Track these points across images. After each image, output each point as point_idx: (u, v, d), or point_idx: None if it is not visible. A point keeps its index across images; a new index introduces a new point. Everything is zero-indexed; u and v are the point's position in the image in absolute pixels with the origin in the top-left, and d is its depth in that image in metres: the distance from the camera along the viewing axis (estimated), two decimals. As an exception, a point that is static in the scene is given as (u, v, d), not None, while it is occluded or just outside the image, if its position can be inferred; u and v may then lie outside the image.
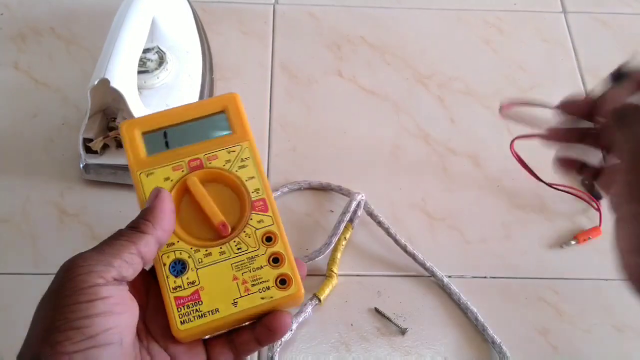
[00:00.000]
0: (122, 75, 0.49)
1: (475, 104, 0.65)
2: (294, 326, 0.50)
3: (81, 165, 0.55)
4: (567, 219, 0.57)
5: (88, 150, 0.54)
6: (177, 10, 0.63)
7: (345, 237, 0.54)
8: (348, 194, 0.56)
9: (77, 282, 0.29)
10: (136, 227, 0.32)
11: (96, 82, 0.48)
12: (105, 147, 0.55)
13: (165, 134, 0.37)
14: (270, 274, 0.34)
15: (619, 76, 0.36)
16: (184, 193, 0.36)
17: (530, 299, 0.53)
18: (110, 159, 0.55)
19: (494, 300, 0.52)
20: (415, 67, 0.67)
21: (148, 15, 0.56)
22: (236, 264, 0.34)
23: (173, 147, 0.36)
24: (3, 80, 0.63)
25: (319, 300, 0.51)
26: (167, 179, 0.36)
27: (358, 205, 0.54)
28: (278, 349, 0.49)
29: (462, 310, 0.51)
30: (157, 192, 0.34)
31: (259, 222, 0.35)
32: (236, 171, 0.36)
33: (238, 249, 0.35)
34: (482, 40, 0.70)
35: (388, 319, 0.51)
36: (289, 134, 0.61)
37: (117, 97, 0.49)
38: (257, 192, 0.36)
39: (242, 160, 0.37)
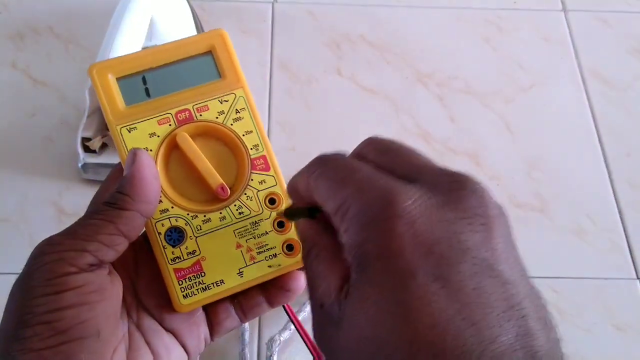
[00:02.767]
0: (120, 74, 0.49)
1: (475, 102, 0.64)
2: (293, 325, 0.49)
3: (79, 165, 0.55)
4: (566, 218, 0.57)
5: (86, 149, 0.54)
6: (175, 8, 0.63)
7: (344, 237, 0.53)
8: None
9: (44, 272, 0.26)
10: (114, 203, 0.28)
11: (94, 81, 0.48)
12: (103, 146, 0.55)
13: (145, 80, 0.32)
14: (277, 239, 0.31)
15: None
16: (172, 149, 0.31)
17: (530, 298, 0.53)
18: (109, 158, 0.55)
19: (494, 300, 0.52)
20: (415, 65, 0.67)
21: (146, 14, 0.55)
22: (239, 230, 0.31)
23: (155, 95, 0.32)
24: (1, 80, 0.63)
25: (318, 300, 0.51)
26: (152, 134, 0.31)
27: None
28: (277, 349, 0.48)
29: (462, 309, 0.51)
30: (133, 156, 0.28)
31: (260, 182, 0.32)
32: (231, 125, 0.32)
33: (240, 213, 0.31)
34: (482, 39, 0.69)
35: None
36: (288, 134, 0.61)
37: (115, 96, 0.49)
38: (257, 149, 0.32)
39: (237, 111, 0.32)
